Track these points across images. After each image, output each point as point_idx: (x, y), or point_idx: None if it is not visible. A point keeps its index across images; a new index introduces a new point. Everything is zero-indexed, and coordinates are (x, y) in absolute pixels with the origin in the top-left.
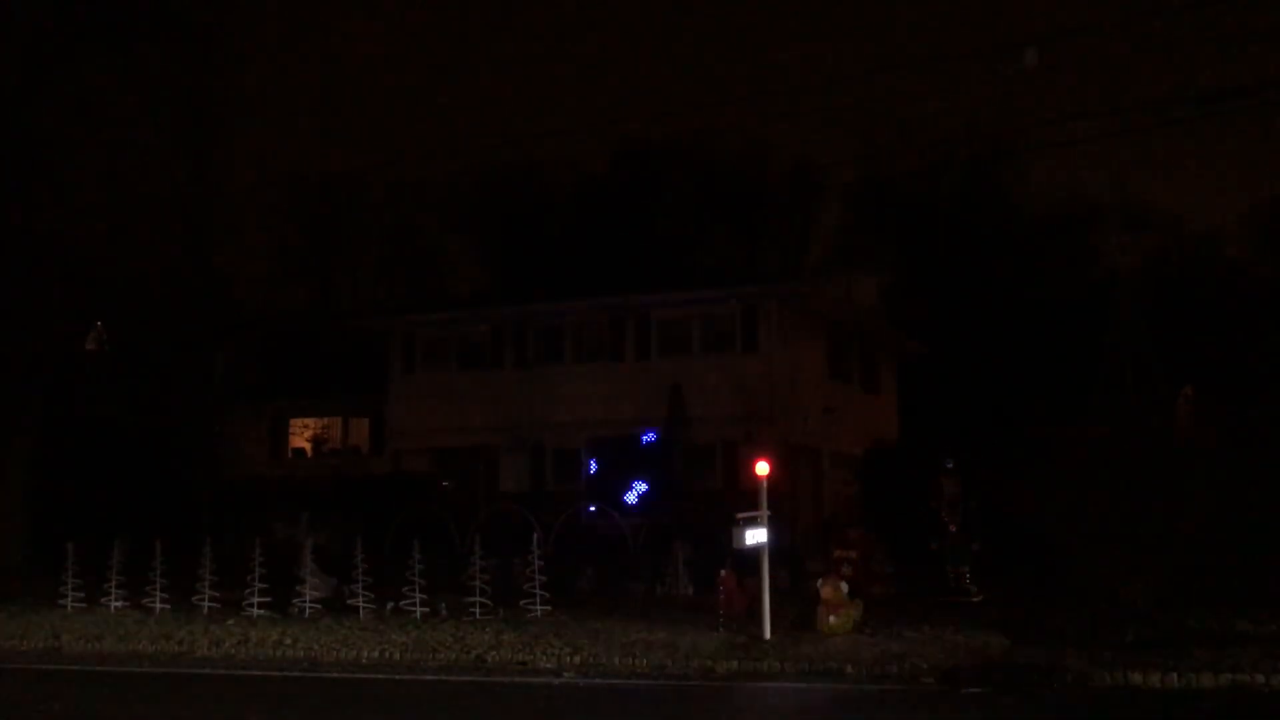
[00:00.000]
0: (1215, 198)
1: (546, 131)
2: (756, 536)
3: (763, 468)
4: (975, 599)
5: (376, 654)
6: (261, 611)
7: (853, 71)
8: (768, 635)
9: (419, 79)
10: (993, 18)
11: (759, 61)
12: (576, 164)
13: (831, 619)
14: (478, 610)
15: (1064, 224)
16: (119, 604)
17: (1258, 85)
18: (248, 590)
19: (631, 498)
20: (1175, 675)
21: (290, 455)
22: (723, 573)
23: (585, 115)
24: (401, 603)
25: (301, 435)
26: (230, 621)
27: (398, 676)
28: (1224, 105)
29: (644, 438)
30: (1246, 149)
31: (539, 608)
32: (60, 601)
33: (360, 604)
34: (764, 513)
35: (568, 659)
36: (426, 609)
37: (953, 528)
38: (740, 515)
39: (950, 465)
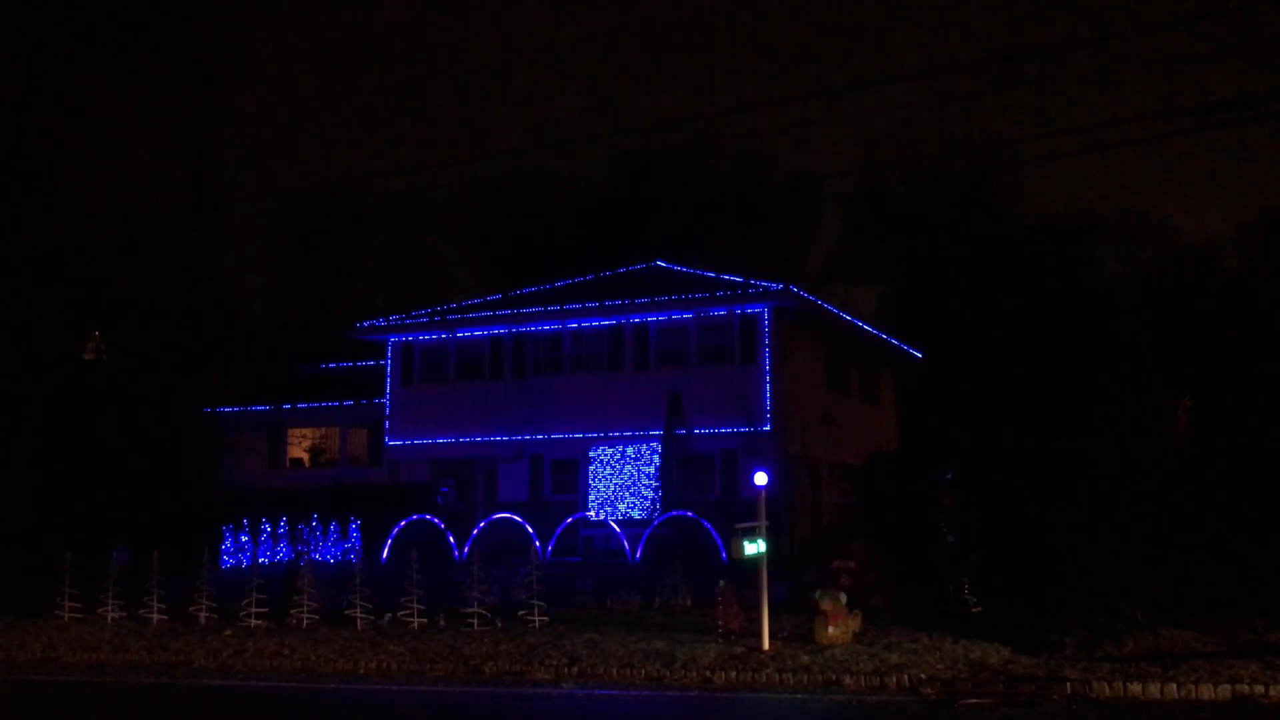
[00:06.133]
0: (1213, 209)
1: (546, 142)
2: (755, 547)
3: (761, 478)
4: (974, 610)
5: (374, 665)
6: (259, 622)
7: (851, 83)
8: (766, 646)
9: (417, 91)
10: (992, 29)
11: (758, 73)
12: (576, 175)
13: (830, 630)
14: (475, 621)
15: (1062, 234)
16: (116, 614)
17: (1256, 97)
18: (245, 601)
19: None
20: (1175, 686)
21: (288, 465)
22: (721, 583)
23: (584, 127)
24: (399, 613)
25: (300, 445)
26: (228, 632)
27: (395, 687)
28: (1222, 117)
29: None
30: (1245, 161)
31: (537, 618)
32: (57, 611)
33: (358, 615)
34: (762, 523)
35: (565, 670)
36: (424, 620)
37: (951, 538)
38: (739, 526)
39: (949, 476)
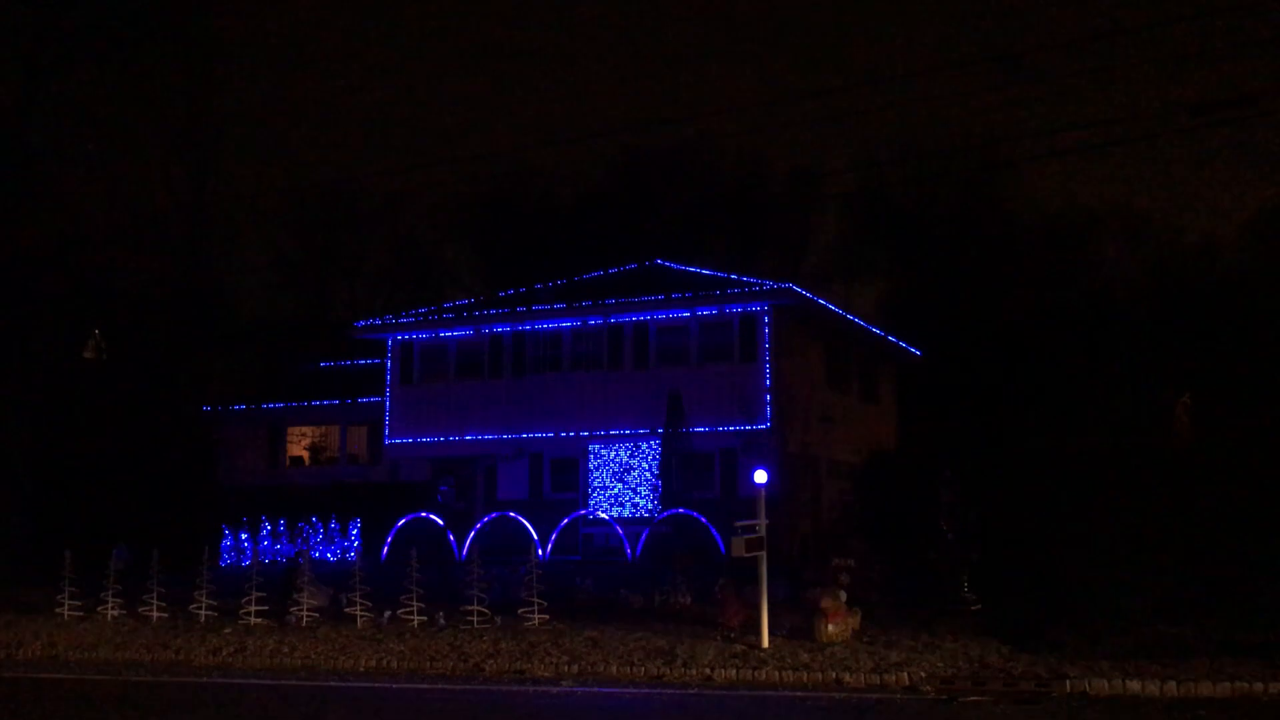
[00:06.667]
0: (1212, 207)
1: (545, 140)
2: (755, 545)
3: (761, 476)
4: (974, 608)
5: (374, 663)
6: (259, 620)
7: (851, 81)
8: (766, 644)
9: (417, 88)
10: (991, 27)
11: (758, 71)
12: (575, 174)
13: (830, 628)
14: (475, 619)
15: (1062, 233)
16: (116, 612)
17: (1255, 95)
18: (245, 599)
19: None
20: (1174, 684)
21: (288, 464)
22: (721, 581)
23: (584, 124)
24: (399, 611)
25: (299, 444)
26: (227, 630)
27: (395, 685)
28: (1221, 115)
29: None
30: (1244, 158)
31: (537, 616)
32: (57, 609)
33: (358, 613)
34: (762, 521)
35: (565, 668)
36: (424, 618)
37: (951, 536)
38: (738, 524)
39: (948, 474)
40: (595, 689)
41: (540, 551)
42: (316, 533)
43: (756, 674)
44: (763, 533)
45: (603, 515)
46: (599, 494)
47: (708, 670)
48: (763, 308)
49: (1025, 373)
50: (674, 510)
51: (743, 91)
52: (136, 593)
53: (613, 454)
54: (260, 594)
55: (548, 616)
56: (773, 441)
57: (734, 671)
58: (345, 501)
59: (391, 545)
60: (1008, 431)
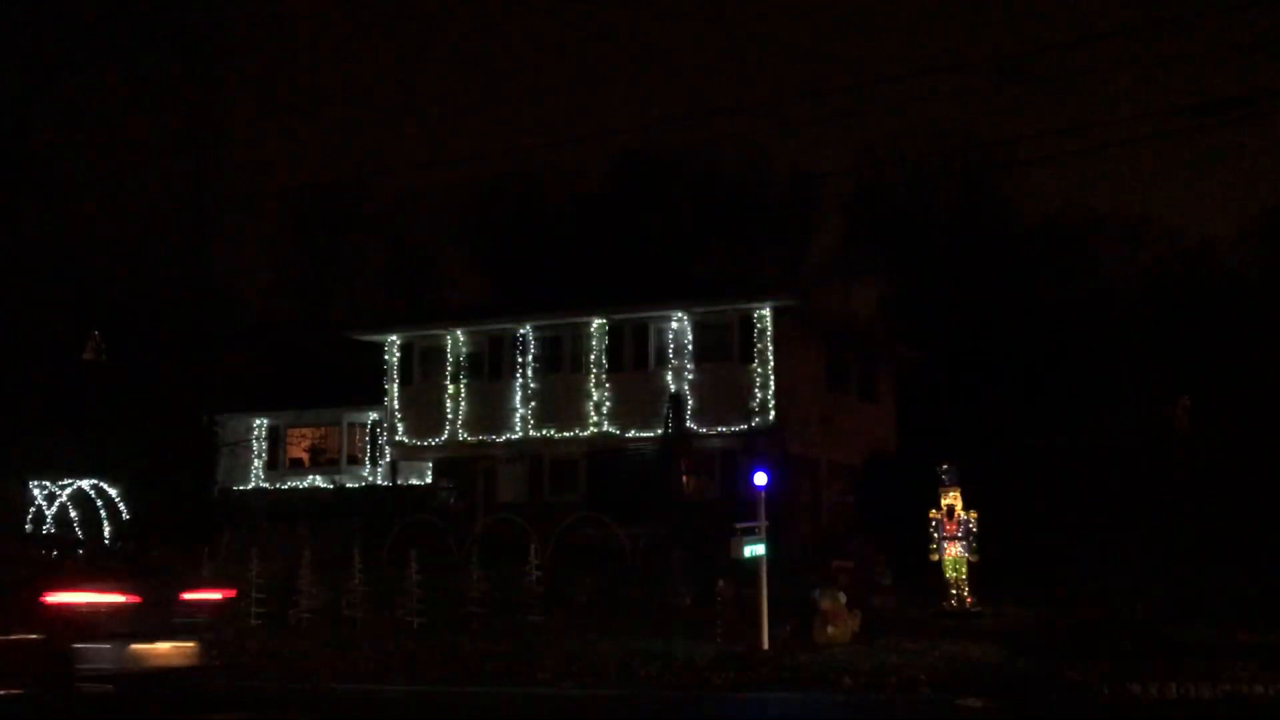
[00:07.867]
0: (1213, 208)
1: (545, 142)
2: (755, 547)
3: (761, 478)
4: (973, 609)
5: (373, 664)
6: (258, 621)
7: (851, 82)
8: (765, 646)
9: (418, 90)
10: (991, 28)
11: (757, 72)
12: (575, 174)
13: (829, 629)
14: (475, 621)
15: (1062, 234)
16: None
17: (1255, 95)
18: (244, 600)
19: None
20: (1174, 686)
21: (287, 465)
22: (721, 583)
23: (583, 126)
24: (398, 613)
25: (299, 445)
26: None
27: (394, 687)
28: (1222, 115)
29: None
30: (1244, 159)
31: (536, 618)
32: None
33: (358, 614)
34: (762, 523)
35: (565, 668)
36: (423, 619)
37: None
38: (739, 525)
39: (947, 476)
40: (595, 691)
41: (539, 553)
42: (316, 534)
43: (755, 676)
44: (763, 534)
45: (603, 516)
46: (599, 495)
47: (707, 672)
48: (763, 308)
49: (1025, 373)
50: (674, 511)
51: (743, 91)
52: None
53: (613, 455)
54: (259, 595)
55: (547, 618)
56: (773, 442)
57: (733, 673)
58: (345, 503)
59: (391, 546)
60: (1008, 433)
